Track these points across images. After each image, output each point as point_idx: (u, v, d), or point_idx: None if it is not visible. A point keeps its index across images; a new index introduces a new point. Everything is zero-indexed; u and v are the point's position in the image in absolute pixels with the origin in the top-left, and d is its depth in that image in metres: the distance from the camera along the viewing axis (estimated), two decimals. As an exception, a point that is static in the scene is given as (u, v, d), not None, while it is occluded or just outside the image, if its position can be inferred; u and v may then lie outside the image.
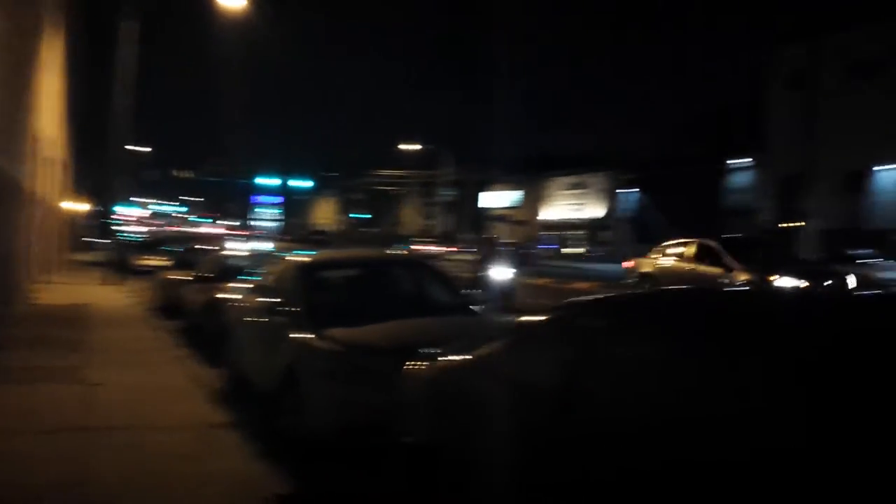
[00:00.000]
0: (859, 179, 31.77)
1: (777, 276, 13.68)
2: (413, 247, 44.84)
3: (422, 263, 7.66)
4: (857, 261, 24.37)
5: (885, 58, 31.21)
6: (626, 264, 18.90)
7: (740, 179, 38.77)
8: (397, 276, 7.14)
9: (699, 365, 2.72)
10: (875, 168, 31.34)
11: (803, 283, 13.39)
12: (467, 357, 4.06)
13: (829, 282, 14.22)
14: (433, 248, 44.42)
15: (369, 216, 71.74)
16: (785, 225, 33.45)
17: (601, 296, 3.87)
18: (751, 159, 37.68)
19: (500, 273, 15.87)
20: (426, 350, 4.43)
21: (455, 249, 46.12)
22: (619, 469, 2.80)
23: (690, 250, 16.25)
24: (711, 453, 2.48)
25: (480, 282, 15.45)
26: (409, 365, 4.43)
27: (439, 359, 4.28)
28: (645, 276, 17.51)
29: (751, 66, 38.17)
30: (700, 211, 37.76)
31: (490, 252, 16.48)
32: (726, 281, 14.48)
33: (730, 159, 38.72)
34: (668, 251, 17.26)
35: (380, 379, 4.76)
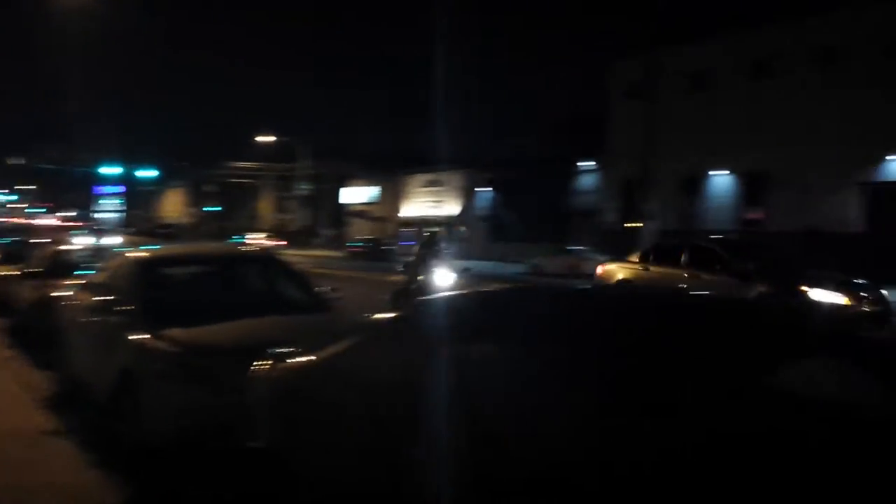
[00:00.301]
0: (694, 184, 34.17)
1: (808, 288, 11.50)
2: (248, 241, 44.10)
3: (272, 259, 7.43)
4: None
5: (718, 71, 33.74)
6: (598, 270, 16.05)
7: (587, 182, 40.69)
8: (245, 272, 6.92)
9: (539, 363, 2.81)
10: (708, 173, 33.81)
11: (841, 298, 11.43)
12: (314, 357, 4.00)
13: (866, 294, 12.08)
14: (268, 243, 43.81)
15: (221, 209, 69.28)
16: (627, 225, 35.44)
17: (446, 295, 3.92)
18: (596, 163, 39.66)
19: (444, 278, 12.92)
20: (272, 350, 4.32)
21: (285, 244, 45.30)
22: (463, 469, 2.84)
23: (687, 255, 13.66)
24: (556, 451, 2.56)
25: (419, 290, 12.24)
26: (254, 366, 4.31)
27: (285, 359, 4.19)
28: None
29: (599, 74, 40.19)
30: (550, 211, 39.39)
31: (430, 253, 13.10)
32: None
33: (578, 162, 40.56)
34: (653, 255, 14.60)
35: (221, 381, 4.61)
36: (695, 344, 2.72)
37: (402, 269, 14.09)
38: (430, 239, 13.66)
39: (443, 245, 13.82)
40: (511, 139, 45.24)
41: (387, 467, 3.21)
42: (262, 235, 48.72)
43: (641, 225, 34.30)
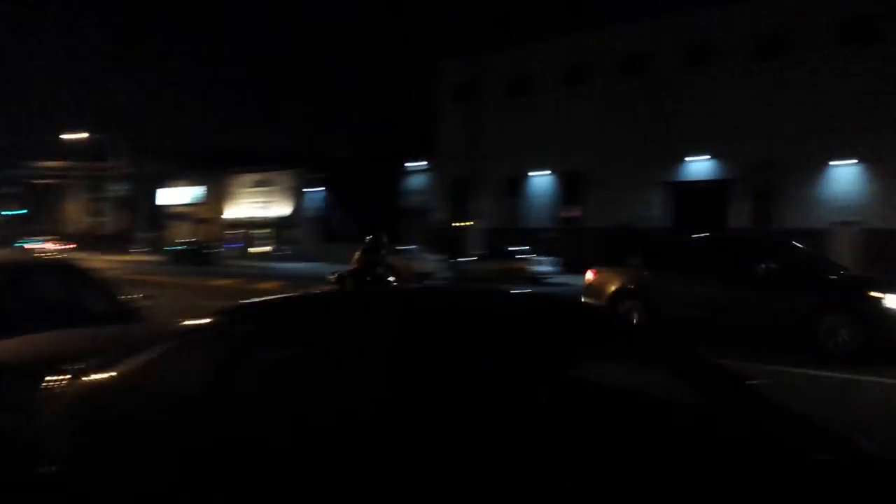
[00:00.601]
0: (517, 183, 35.55)
1: (881, 294, 9.66)
2: (28, 246, 41.40)
3: (69, 266, 6.87)
4: (516, 256, 27.34)
5: (537, 75, 35.30)
6: (587, 276, 12.77)
7: (417, 181, 41.28)
8: (38, 281, 6.34)
9: (347, 371, 2.75)
10: (529, 174, 35.30)
11: None
12: (114, 371, 3.71)
13: None
14: (54, 247, 41.27)
15: (26, 212, 63.79)
16: (456, 224, 36.30)
17: (254, 300, 3.78)
18: (426, 163, 40.35)
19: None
20: (67, 365, 3.97)
21: (73, 247, 42.58)
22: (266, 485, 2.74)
23: (705, 257, 11.54)
24: (355, 456, 2.51)
25: None
26: (46, 383, 3.94)
27: (82, 375, 3.87)
28: (622, 295, 11.83)
29: (427, 76, 40.88)
30: (381, 210, 39.60)
31: (374, 260, 11.12)
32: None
33: (408, 162, 41.07)
34: (658, 259, 12.21)
35: (9, 401, 4.18)
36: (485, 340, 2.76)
37: (334, 278, 12.14)
38: (372, 244, 11.60)
39: (386, 251, 11.65)
40: (342, 138, 45.06)
41: (191, 487, 3.03)
42: (49, 239, 45.57)
43: (472, 224, 35.28)
